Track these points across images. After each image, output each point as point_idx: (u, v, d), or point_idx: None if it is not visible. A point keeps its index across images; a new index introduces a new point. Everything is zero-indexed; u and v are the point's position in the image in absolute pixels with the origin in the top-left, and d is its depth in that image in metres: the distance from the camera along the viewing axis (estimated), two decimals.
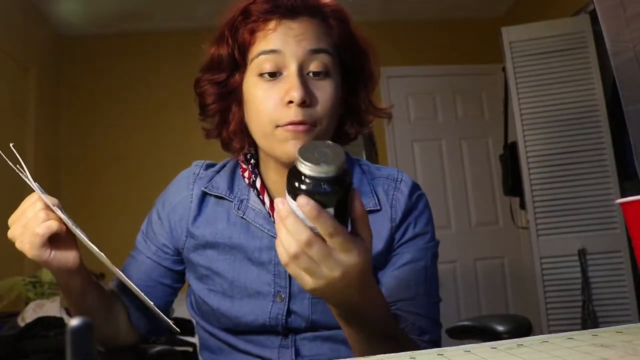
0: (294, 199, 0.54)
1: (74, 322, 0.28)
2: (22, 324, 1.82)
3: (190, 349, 1.87)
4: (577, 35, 2.69)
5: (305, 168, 0.53)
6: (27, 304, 2.10)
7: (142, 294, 0.79)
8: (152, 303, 0.81)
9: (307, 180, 0.53)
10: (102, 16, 3.45)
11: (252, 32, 0.79)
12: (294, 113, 0.75)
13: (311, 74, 0.77)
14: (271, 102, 0.76)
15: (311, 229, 0.55)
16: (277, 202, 0.56)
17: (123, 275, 0.79)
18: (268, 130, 0.77)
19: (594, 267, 2.56)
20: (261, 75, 0.78)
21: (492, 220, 3.64)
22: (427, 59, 3.70)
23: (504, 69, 2.89)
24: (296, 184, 0.54)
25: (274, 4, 0.78)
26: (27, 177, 0.70)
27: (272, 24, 0.77)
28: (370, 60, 0.86)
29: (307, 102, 0.75)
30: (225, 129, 0.85)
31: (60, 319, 1.79)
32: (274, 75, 0.77)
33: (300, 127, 0.75)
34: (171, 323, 0.83)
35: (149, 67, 3.54)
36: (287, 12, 0.78)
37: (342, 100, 0.83)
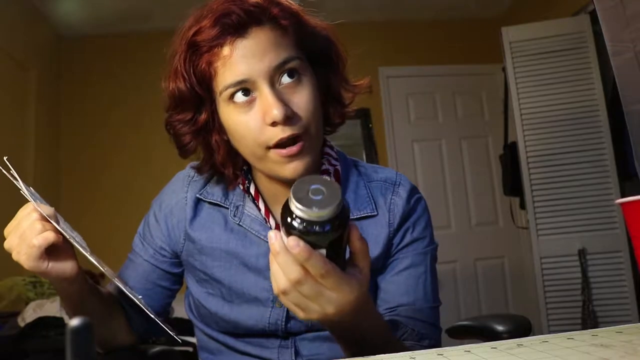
0: (287, 235, 0.53)
1: (74, 322, 0.28)
2: (22, 324, 1.82)
3: (190, 349, 1.87)
4: (577, 35, 2.69)
5: (297, 209, 0.51)
6: (27, 304, 2.10)
7: (143, 302, 0.78)
8: (154, 314, 0.80)
9: (299, 221, 0.52)
10: (102, 16, 3.45)
11: (210, 64, 0.73)
12: (281, 130, 0.71)
13: (283, 82, 0.73)
14: (253, 124, 0.73)
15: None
16: (270, 234, 0.55)
17: (122, 284, 0.78)
18: (260, 153, 0.74)
19: (594, 267, 2.55)
20: (232, 99, 0.73)
21: (492, 220, 3.64)
22: (427, 59, 3.70)
23: (504, 69, 2.89)
24: (288, 220, 0.53)
25: (221, 27, 0.72)
26: (22, 188, 0.69)
27: (226, 50, 0.72)
28: (332, 42, 0.83)
29: (289, 116, 0.71)
30: (214, 160, 0.82)
31: (60, 319, 1.79)
32: (247, 94, 0.73)
33: (294, 149, 0.73)
34: (172, 333, 0.82)
35: (149, 67, 3.50)
36: (236, 30, 0.72)
37: (320, 95, 0.80)
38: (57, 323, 1.74)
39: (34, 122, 3.09)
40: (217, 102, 0.76)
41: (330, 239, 0.53)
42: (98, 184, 3.34)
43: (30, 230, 0.68)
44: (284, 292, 0.55)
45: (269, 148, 0.73)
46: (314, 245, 0.53)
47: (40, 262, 0.68)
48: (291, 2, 0.79)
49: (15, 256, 0.69)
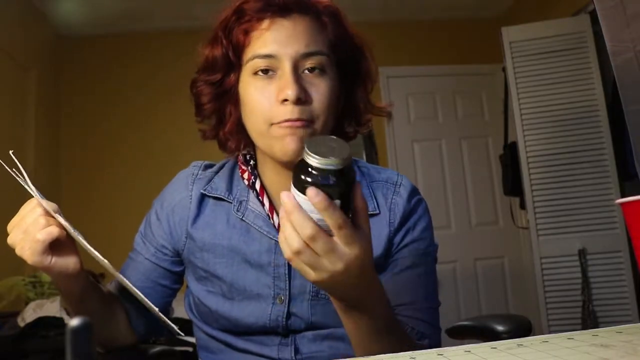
0: (302, 191, 0.55)
1: (74, 322, 0.28)
2: (22, 324, 1.82)
3: (190, 349, 1.87)
4: (577, 35, 2.69)
5: (313, 160, 0.54)
6: (27, 304, 2.10)
7: (145, 297, 0.79)
8: (156, 309, 0.80)
9: (315, 173, 0.54)
10: (102, 16, 3.45)
11: (246, 33, 0.78)
12: (290, 111, 0.74)
13: (306, 71, 0.77)
14: (266, 100, 0.76)
15: (315, 222, 0.55)
16: (283, 195, 0.56)
17: (125, 280, 0.78)
18: (264, 129, 0.77)
19: (594, 267, 2.55)
20: (255, 73, 0.78)
21: (492, 220, 3.64)
22: (427, 59, 3.70)
23: (504, 69, 2.89)
24: (303, 177, 0.55)
25: (267, 2, 0.77)
26: (26, 183, 0.70)
27: (265, 23, 0.77)
28: (366, 57, 0.86)
29: (302, 99, 0.75)
30: (221, 129, 0.85)
31: (60, 319, 1.79)
32: (267, 72, 0.77)
33: (297, 123, 0.75)
34: (174, 326, 0.82)
35: (148, 66, 3.53)
36: (280, 10, 0.77)
37: (339, 98, 0.83)
38: (57, 323, 1.74)
39: (34, 122, 3.09)
40: (242, 72, 0.80)
41: (343, 190, 0.55)
42: (98, 184, 3.34)
43: (34, 225, 0.68)
44: (298, 252, 0.56)
45: (272, 124, 0.76)
46: (330, 196, 0.55)
47: (44, 257, 0.69)
48: (339, 7, 0.84)
49: (18, 251, 0.69)
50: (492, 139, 3.65)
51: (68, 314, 2.01)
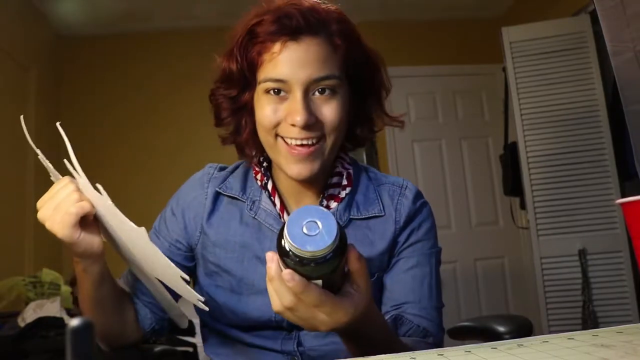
0: (282, 262, 0.54)
1: (74, 322, 0.28)
2: (22, 324, 1.82)
3: (190, 349, 1.87)
4: (577, 35, 2.69)
5: (291, 246, 0.51)
6: (27, 304, 2.10)
7: (173, 267, 0.76)
8: (181, 272, 0.79)
9: (293, 256, 0.51)
10: (102, 16, 3.45)
11: (259, 54, 0.80)
12: (297, 133, 0.78)
13: (317, 93, 0.79)
14: (276, 118, 0.79)
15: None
16: (268, 257, 0.57)
17: (158, 250, 0.75)
18: (271, 141, 0.81)
19: (594, 267, 2.55)
20: (267, 92, 0.80)
21: (492, 220, 3.64)
22: (427, 59, 3.70)
23: (504, 69, 2.89)
24: (283, 250, 0.52)
25: (279, 26, 0.78)
26: (72, 157, 0.73)
27: (277, 47, 0.78)
28: (379, 72, 0.88)
29: (310, 125, 0.77)
30: (238, 137, 0.89)
31: (60, 319, 1.79)
32: (279, 92, 0.79)
33: (304, 151, 0.79)
34: (197, 296, 0.83)
35: (148, 66, 3.54)
36: (292, 33, 0.78)
37: (350, 112, 0.85)
38: (57, 323, 1.74)
39: (34, 122, 3.09)
40: (256, 89, 0.83)
41: (326, 272, 0.53)
42: (98, 183, 3.34)
43: (67, 199, 0.70)
44: (280, 312, 0.59)
45: (277, 135, 0.80)
46: (309, 277, 0.53)
47: (73, 231, 0.70)
48: (352, 24, 0.85)
49: (49, 225, 0.70)
50: (492, 139, 3.65)
51: (68, 314, 2.01)
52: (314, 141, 0.79)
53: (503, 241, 3.60)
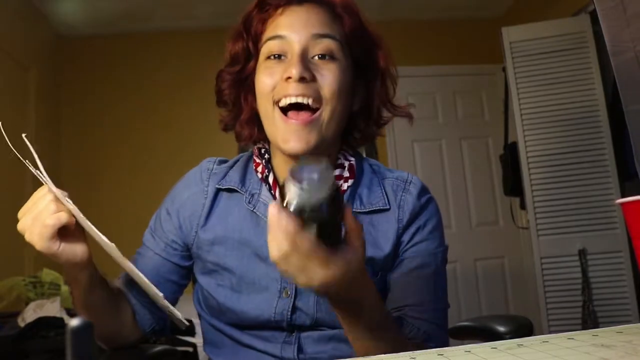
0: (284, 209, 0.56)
1: (74, 322, 0.28)
2: (22, 324, 1.82)
3: (190, 349, 1.87)
4: (577, 35, 2.69)
5: (290, 193, 0.55)
6: (27, 304, 2.09)
7: (151, 285, 0.79)
8: (161, 294, 0.80)
9: (292, 202, 0.55)
10: (102, 16, 3.45)
11: (264, 22, 0.83)
12: (292, 88, 0.77)
13: (316, 57, 0.79)
14: (273, 81, 0.79)
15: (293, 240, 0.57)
16: (270, 208, 0.57)
17: (132, 266, 0.78)
18: (269, 110, 0.80)
19: (594, 267, 2.55)
20: (268, 57, 0.81)
21: (492, 220, 3.64)
22: (427, 59, 3.70)
23: (504, 69, 2.89)
24: (283, 199, 0.56)
25: None
26: (38, 168, 0.71)
27: (279, 10, 0.82)
28: (382, 50, 0.88)
29: (306, 78, 0.76)
30: (238, 118, 0.89)
31: (60, 319, 1.79)
32: (279, 57, 0.80)
33: (300, 118, 0.77)
34: (179, 315, 0.83)
35: (148, 67, 3.54)
36: (297, 0, 0.81)
37: (353, 91, 0.85)
38: (57, 323, 1.74)
39: (34, 122, 3.09)
40: (258, 59, 0.84)
41: (321, 221, 0.56)
42: (98, 184, 3.34)
43: (44, 211, 0.69)
44: (276, 261, 0.58)
45: (275, 103, 0.79)
46: (306, 224, 0.56)
47: (52, 243, 0.69)
48: (354, 3, 0.87)
49: (28, 237, 0.70)
50: (492, 139, 3.65)
51: (68, 314, 2.01)
52: (310, 102, 0.77)
53: (503, 241, 3.60)
